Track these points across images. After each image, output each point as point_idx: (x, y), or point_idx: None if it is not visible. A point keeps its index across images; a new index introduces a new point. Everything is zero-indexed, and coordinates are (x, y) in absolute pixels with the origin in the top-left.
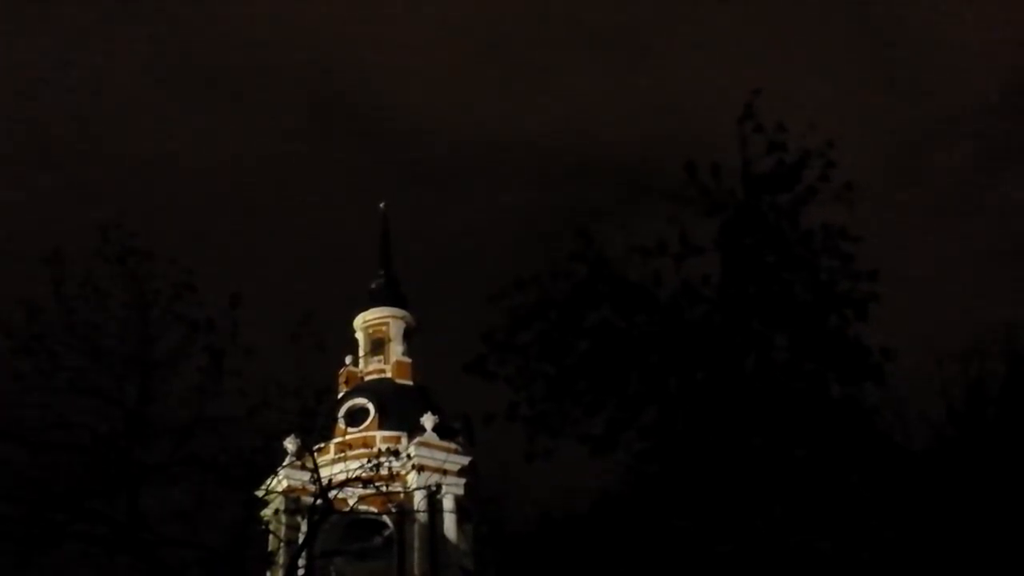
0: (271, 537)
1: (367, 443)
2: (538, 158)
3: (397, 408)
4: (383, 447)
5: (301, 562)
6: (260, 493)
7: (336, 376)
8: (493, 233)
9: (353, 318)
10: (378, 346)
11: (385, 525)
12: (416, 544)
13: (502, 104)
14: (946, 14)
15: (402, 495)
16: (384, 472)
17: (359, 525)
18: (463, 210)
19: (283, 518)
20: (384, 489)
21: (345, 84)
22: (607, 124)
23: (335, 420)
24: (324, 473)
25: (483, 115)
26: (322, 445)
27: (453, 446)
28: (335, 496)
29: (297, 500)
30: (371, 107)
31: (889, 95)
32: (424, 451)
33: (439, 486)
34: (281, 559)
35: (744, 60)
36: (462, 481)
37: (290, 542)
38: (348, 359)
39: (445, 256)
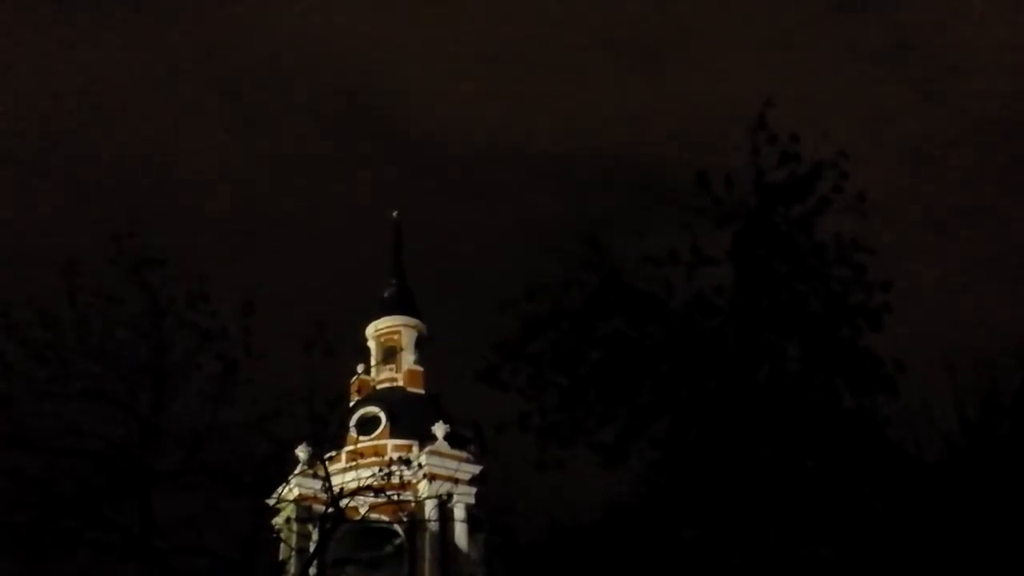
0: (282, 545)
1: (378, 451)
2: (551, 167)
3: (408, 417)
4: (394, 456)
5: (312, 570)
6: (272, 501)
7: (348, 384)
8: (505, 242)
9: (365, 326)
10: (390, 355)
11: (396, 534)
12: (427, 553)
13: (514, 112)
14: (960, 20)
15: (413, 504)
16: (395, 481)
17: (370, 533)
18: (475, 218)
19: (295, 526)
20: (395, 498)
21: (359, 92)
22: (620, 133)
23: (347, 428)
24: (336, 481)
25: (496, 123)
26: (334, 453)
27: (464, 455)
28: (346, 504)
29: (309, 508)
30: (384, 115)
31: (902, 102)
32: (435, 460)
33: (450, 495)
34: (292, 567)
35: (757, 69)
36: (473, 490)
37: (301, 550)
38: (360, 367)
39: (457, 264)
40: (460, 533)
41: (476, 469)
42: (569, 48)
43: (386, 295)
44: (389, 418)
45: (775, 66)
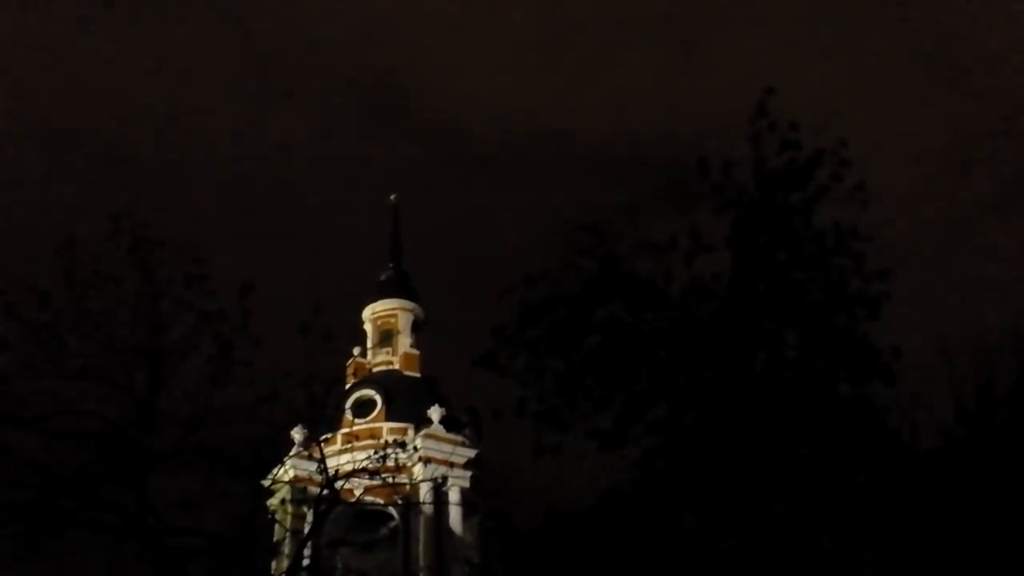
0: (277, 527)
1: (374, 434)
2: (551, 153)
3: (404, 400)
4: (390, 438)
5: (307, 552)
6: (267, 482)
7: (344, 367)
8: (505, 227)
9: (362, 309)
10: (386, 338)
11: (391, 516)
12: (422, 536)
13: (517, 100)
14: (985, 14)
15: (408, 487)
16: (390, 463)
17: (365, 516)
18: (475, 203)
19: (289, 508)
20: (390, 480)
21: (375, 76)
22: (620, 121)
23: (342, 411)
24: (331, 463)
25: (498, 111)
26: (329, 435)
27: (460, 439)
28: (341, 487)
29: (304, 490)
30: (395, 98)
31: (924, 95)
32: (431, 443)
33: (445, 478)
34: (287, 549)
35: (766, 55)
36: (468, 474)
37: (296, 532)
38: (356, 350)
39: (457, 249)
40: (455, 516)
41: (471, 453)
42: (573, 43)
43: (383, 278)
44: (385, 401)
45: (792, 54)
